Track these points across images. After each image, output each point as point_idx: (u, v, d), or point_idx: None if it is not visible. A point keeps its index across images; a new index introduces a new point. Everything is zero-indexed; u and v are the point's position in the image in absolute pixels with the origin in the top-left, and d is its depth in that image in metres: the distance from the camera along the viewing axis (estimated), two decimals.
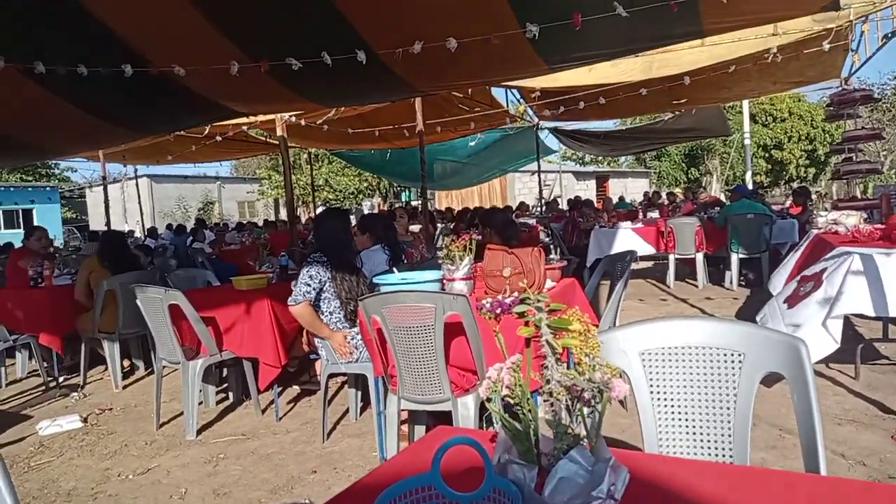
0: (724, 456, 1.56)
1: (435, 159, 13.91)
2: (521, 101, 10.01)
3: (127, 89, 4.47)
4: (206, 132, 8.82)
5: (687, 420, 1.59)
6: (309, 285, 3.42)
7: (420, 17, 3.67)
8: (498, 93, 9.41)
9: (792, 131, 24.85)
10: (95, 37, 3.39)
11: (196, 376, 3.78)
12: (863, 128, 7.88)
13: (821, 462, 1.38)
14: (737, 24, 4.52)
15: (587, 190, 28.55)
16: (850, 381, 3.93)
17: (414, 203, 20.64)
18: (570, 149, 19.42)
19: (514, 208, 12.89)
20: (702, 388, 1.58)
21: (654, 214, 10.08)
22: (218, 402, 4.37)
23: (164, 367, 4.02)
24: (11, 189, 26.75)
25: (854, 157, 7.32)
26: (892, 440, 3.07)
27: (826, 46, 6.50)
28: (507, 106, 9.92)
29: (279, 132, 7.72)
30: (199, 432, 3.78)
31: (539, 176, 14.13)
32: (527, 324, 0.95)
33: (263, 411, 4.10)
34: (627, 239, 8.15)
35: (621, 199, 17.61)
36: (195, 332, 3.79)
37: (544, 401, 0.91)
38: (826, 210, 5.77)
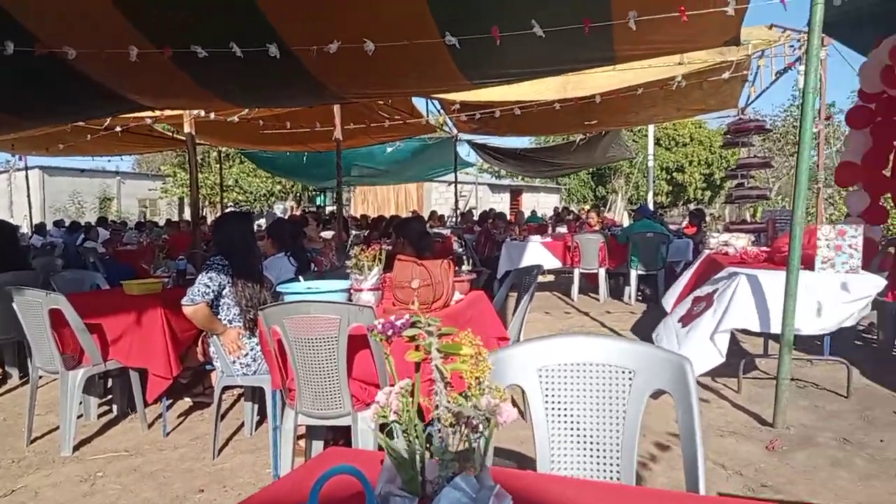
0: (611, 470, 1.59)
1: (353, 164, 13.75)
2: (441, 111, 10.09)
3: (16, 72, 4.12)
4: (106, 123, 8.24)
5: (580, 435, 1.62)
6: (208, 286, 3.27)
7: (338, 14, 3.59)
8: (419, 102, 9.43)
9: (693, 156, 26.49)
10: None
11: (76, 387, 3.49)
12: (755, 156, 8.48)
13: (700, 475, 1.43)
14: (647, 53, 4.76)
15: (502, 203, 29.14)
16: (733, 395, 4.17)
17: (329, 208, 20.28)
18: (487, 163, 19.80)
19: (426, 219, 12.91)
20: (595, 404, 1.61)
21: (563, 229, 10.40)
22: (100, 416, 4.05)
23: (40, 376, 3.69)
24: None
25: (746, 183, 7.86)
26: (766, 450, 3.27)
27: (726, 76, 6.98)
28: (427, 116, 9.94)
29: (187, 128, 7.36)
30: (76, 448, 3.49)
31: (456, 187, 14.26)
32: (417, 348, 0.91)
33: (150, 426, 3.84)
34: (536, 252, 8.36)
35: (533, 213, 18.06)
36: (78, 339, 3.50)
37: (433, 426, 0.87)
38: (718, 232, 6.14)
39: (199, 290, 3.23)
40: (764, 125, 8.12)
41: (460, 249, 9.91)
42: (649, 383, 1.55)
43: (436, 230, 10.61)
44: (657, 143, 21.90)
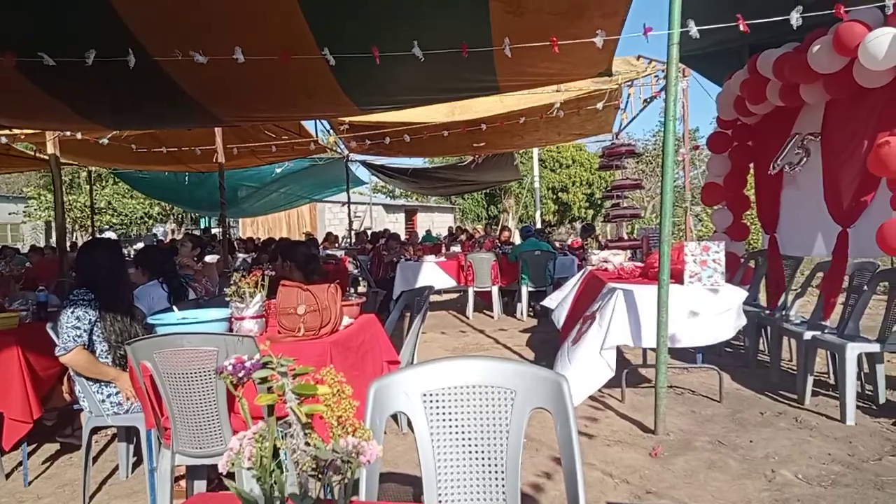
0: (499, 488, 1.61)
1: (239, 184, 13.26)
2: (331, 132, 9.99)
3: None
4: None
5: (466, 456, 1.63)
6: (78, 328, 2.96)
7: (201, 19, 3.44)
8: (308, 122, 9.27)
9: (575, 177, 27.95)
10: None
11: None
12: (628, 178, 9.06)
13: (580, 489, 1.48)
14: (527, 83, 5.02)
15: (397, 223, 29.23)
16: (618, 404, 4.39)
17: (214, 230, 19.39)
18: (381, 181, 19.81)
19: (320, 241, 12.68)
20: (479, 425, 1.63)
21: (457, 248, 10.57)
22: None
23: None
24: None
25: (621, 203, 8.38)
26: (650, 457, 3.46)
27: (600, 106, 7.46)
28: (317, 136, 9.80)
29: (50, 149, 6.80)
30: None
31: (349, 207, 14.12)
32: (269, 390, 0.88)
33: (8, 476, 3.45)
34: (431, 272, 8.43)
35: (428, 232, 18.23)
36: None
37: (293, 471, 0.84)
38: (599, 249, 6.49)
39: (69, 335, 2.94)
40: (634, 149, 8.71)
41: (355, 271, 9.82)
42: (530, 401, 1.60)
43: (329, 252, 10.43)
44: (542, 164, 22.95)
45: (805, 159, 5.25)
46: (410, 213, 32.47)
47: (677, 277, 4.12)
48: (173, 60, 3.55)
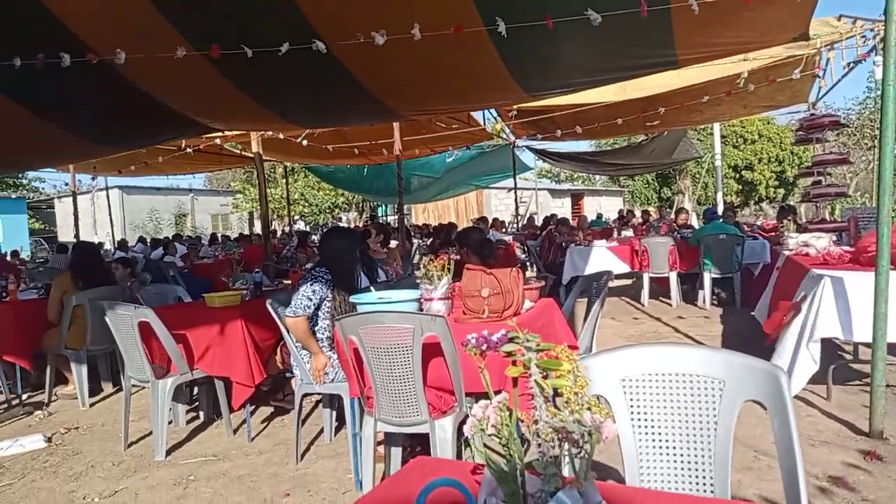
0: (705, 483, 1.56)
1: (412, 175, 13.92)
2: (498, 119, 10.10)
3: (97, 102, 4.39)
4: (178, 144, 8.70)
5: (668, 447, 1.59)
6: (310, 300, 3.36)
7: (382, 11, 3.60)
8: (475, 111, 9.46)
9: (762, 153, 25.48)
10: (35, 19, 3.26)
11: (166, 395, 3.69)
12: (831, 152, 8.07)
13: (801, 490, 1.38)
14: (710, 54, 4.59)
15: (562, 207, 28.83)
16: (823, 402, 3.98)
17: (390, 218, 20.59)
18: (546, 164, 19.66)
19: (489, 225, 12.90)
20: (682, 416, 1.58)
21: (629, 233, 10.19)
22: (188, 422, 4.26)
23: (133, 385, 3.91)
24: None
25: (823, 181, 7.49)
26: (865, 461, 3.11)
27: (797, 75, 6.70)
28: (485, 124, 9.97)
29: (255, 147, 7.66)
30: (168, 453, 3.68)
31: (515, 193, 14.20)
32: (514, 363, 0.93)
33: (235, 431, 4.01)
34: (602, 257, 8.23)
35: (599, 216, 17.78)
36: (165, 350, 3.70)
37: (533, 442, 0.89)
38: (797, 232, 5.89)
39: (301, 303, 3.33)
40: (839, 120, 7.72)
41: (523, 256, 9.89)
42: (741, 394, 1.52)
43: (498, 237, 10.60)
44: (724, 140, 21.18)
45: None
46: (577, 197, 31.83)
47: None
48: (357, 58, 3.78)
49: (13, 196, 27.95)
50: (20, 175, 28.70)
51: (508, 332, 0.97)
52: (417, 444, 3.22)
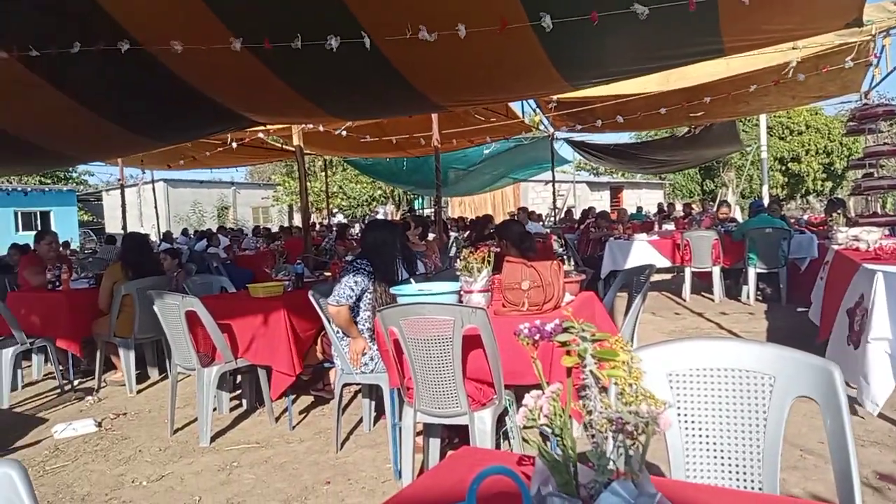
0: (752, 482, 1.52)
1: (449, 167, 13.92)
2: (537, 110, 10.00)
3: (148, 98, 4.53)
4: (223, 138, 8.89)
5: (715, 444, 1.56)
6: (353, 290, 3.42)
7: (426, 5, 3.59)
8: (514, 102, 9.39)
9: (809, 144, 24.65)
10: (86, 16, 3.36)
11: (211, 383, 3.78)
12: (884, 143, 7.77)
13: (855, 490, 1.34)
14: (758, 42, 4.45)
15: (601, 200, 28.45)
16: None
17: (426, 211, 20.65)
18: (585, 159, 19.37)
19: (527, 213, 12.81)
20: (730, 412, 1.55)
21: (670, 227, 10.00)
22: (231, 409, 4.37)
23: (179, 372, 4.02)
24: (29, 191, 27.04)
25: (875, 173, 7.22)
26: None
27: (849, 63, 6.43)
28: (523, 116, 9.88)
29: (296, 141, 7.77)
30: (212, 439, 3.78)
31: (553, 186, 14.06)
32: (569, 353, 0.92)
33: (277, 419, 4.09)
34: (643, 251, 8.10)
35: (639, 210, 17.48)
36: (211, 338, 3.80)
37: (586, 433, 0.88)
38: (847, 226, 5.68)
39: (344, 293, 3.39)
40: (893, 110, 7.40)
41: (560, 249, 9.80)
42: (792, 390, 1.48)
43: (536, 228, 10.53)
44: (769, 132, 20.56)
45: None
46: (616, 190, 31.36)
47: None
48: (402, 52, 3.79)
49: (64, 189, 29.01)
50: (70, 168, 29.77)
51: (563, 321, 0.96)
52: (455, 436, 3.23)
